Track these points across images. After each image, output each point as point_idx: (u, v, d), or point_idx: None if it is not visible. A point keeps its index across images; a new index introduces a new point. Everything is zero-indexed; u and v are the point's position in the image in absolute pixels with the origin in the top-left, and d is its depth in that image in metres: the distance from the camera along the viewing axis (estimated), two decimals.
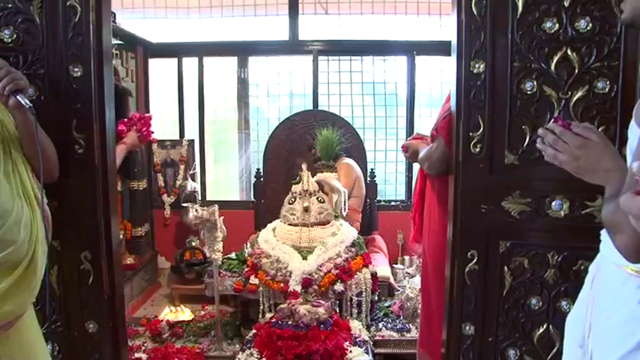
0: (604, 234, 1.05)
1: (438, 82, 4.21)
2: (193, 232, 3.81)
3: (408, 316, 2.87)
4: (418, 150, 2.11)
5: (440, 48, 3.92)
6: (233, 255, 3.18)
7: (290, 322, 2.42)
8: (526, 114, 1.57)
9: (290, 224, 2.93)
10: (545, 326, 1.64)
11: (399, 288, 3.27)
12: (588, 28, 1.50)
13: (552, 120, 1.08)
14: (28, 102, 1.32)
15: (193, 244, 3.85)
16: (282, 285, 2.66)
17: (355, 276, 2.71)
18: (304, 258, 2.74)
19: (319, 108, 4.15)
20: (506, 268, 1.64)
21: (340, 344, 2.29)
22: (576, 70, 1.53)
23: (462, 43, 1.57)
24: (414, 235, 2.30)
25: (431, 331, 2.09)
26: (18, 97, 1.31)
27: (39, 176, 1.39)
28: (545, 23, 1.52)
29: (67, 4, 1.60)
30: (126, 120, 2.58)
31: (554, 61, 1.53)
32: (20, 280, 1.27)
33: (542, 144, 1.08)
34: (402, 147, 2.31)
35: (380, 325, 2.82)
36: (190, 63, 4.28)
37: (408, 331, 2.76)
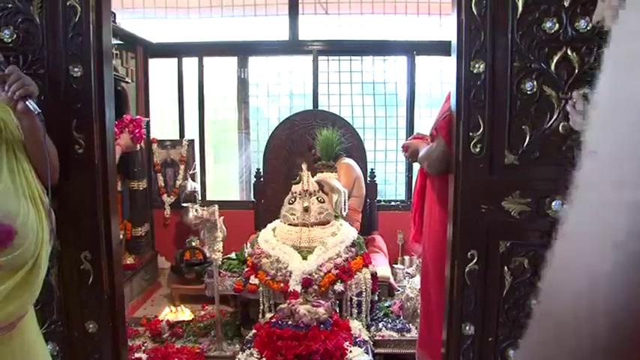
0: None
1: (438, 82, 4.21)
2: (193, 232, 3.81)
3: (408, 316, 2.87)
4: (418, 149, 2.11)
5: (440, 48, 3.92)
6: (233, 255, 3.18)
7: (290, 322, 2.42)
8: (526, 114, 1.57)
9: (290, 224, 2.93)
10: None
11: (399, 288, 3.27)
12: (588, 28, 1.50)
13: None
14: (36, 107, 1.34)
15: (193, 244, 3.85)
16: (282, 285, 2.66)
17: (355, 276, 2.71)
18: (304, 258, 2.74)
19: (319, 108, 4.15)
20: (506, 268, 1.64)
21: (340, 344, 2.29)
22: (576, 70, 1.53)
23: (462, 43, 1.57)
24: (414, 234, 2.29)
25: (430, 332, 2.08)
26: (27, 102, 1.33)
27: (41, 179, 1.40)
28: (545, 23, 1.52)
29: (67, 4, 1.60)
30: (117, 122, 2.58)
31: (554, 61, 1.54)
32: (23, 281, 1.28)
33: (573, 109, 1.02)
34: (402, 146, 2.32)
35: (380, 325, 2.82)
36: (190, 63, 4.28)
37: (408, 331, 2.76)
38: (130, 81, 3.81)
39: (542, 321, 0.34)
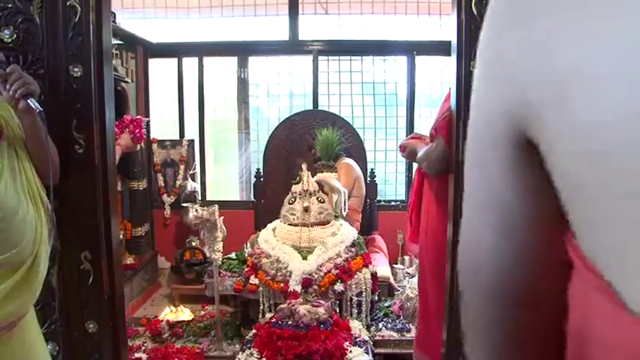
0: None
1: (438, 82, 4.21)
2: (193, 232, 3.81)
3: (408, 316, 2.87)
4: (416, 150, 2.11)
5: (440, 48, 3.92)
6: (233, 255, 3.18)
7: (290, 322, 2.42)
8: None
9: (290, 224, 2.93)
10: None
11: (399, 288, 3.27)
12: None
13: None
14: (38, 106, 1.35)
15: (193, 244, 3.85)
16: (282, 285, 2.66)
17: (355, 276, 2.71)
18: (304, 258, 2.74)
19: (319, 108, 4.15)
20: None
21: (340, 344, 2.29)
22: None
23: (462, 43, 1.57)
24: (411, 234, 2.29)
25: (429, 331, 2.08)
26: (29, 101, 1.33)
27: (42, 178, 1.40)
28: None
29: (67, 4, 1.60)
30: (118, 122, 2.59)
31: None
32: (23, 281, 1.28)
33: None
34: (399, 147, 2.32)
35: (380, 325, 2.82)
36: (190, 63, 4.28)
37: (408, 331, 2.76)
38: (129, 81, 3.81)
39: (459, 278, 0.49)
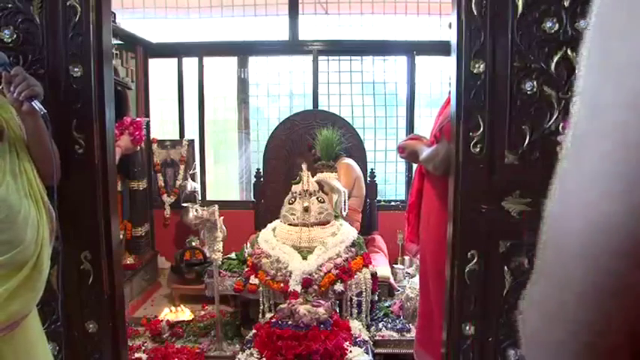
0: None
1: (438, 82, 4.21)
2: (193, 232, 3.81)
3: (408, 316, 2.87)
4: (416, 150, 2.10)
5: (440, 48, 3.92)
6: (233, 255, 3.18)
7: (290, 322, 2.42)
8: (526, 114, 1.57)
9: (290, 224, 2.93)
10: None
11: (399, 288, 3.27)
12: (588, 28, 1.50)
13: None
14: (42, 108, 1.35)
15: (193, 244, 3.85)
16: (282, 285, 2.66)
17: (355, 276, 2.71)
18: (304, 258, 2.74)
19: (319, 108, 4.15)
20: (506, 268, 1.64)
21: (340, 344, 2.29)
22: (576, 70, 1.52)
23: (462, 43, 1.57)
24: (409, 235, 2.29)
25: (430, 329, 2.08)
26: (33, 103, 1.34)
27: (44, 178, 1.40)
28: (545, 23, 1.53)
29: (67, 4, 1.60)
30: (117, 124, 2.59)
31: (554, 61, 1.54)
32: (26, 280, 1.28)
33: None
34: (398, 148, 2.30)
35: (380, 325, 2.82)
36: (190, 63, 4.28)
37: (408, 331, 2.76)
38: (131, 87, 3.81)
39: (545, 252, 0.36)
